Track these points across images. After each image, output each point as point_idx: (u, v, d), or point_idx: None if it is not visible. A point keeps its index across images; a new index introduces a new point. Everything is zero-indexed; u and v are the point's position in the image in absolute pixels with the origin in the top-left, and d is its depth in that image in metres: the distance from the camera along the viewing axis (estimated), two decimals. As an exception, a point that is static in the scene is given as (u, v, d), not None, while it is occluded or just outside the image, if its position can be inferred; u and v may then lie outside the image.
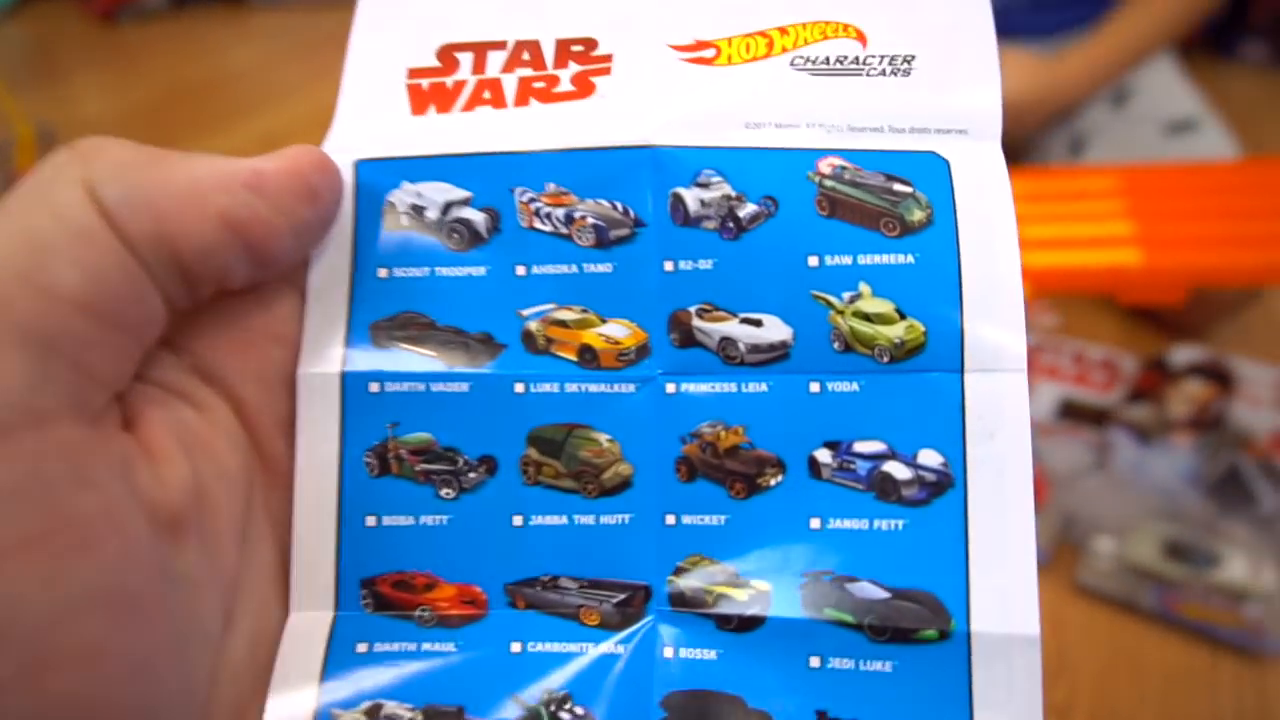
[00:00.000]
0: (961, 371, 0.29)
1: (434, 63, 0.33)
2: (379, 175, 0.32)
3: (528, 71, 0.33)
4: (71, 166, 0.25)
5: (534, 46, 0.33)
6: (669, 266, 0.31)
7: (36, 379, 0.23)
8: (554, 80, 0.32)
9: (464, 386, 0.31)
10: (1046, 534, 0.93)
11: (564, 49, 0.33)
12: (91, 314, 0.24)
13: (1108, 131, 1.38)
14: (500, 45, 0.33)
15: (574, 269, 0.31)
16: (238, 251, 0.27)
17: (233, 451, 0.29)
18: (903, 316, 0.30)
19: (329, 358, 0.31)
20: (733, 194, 0.31)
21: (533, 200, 0.31)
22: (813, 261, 0.30)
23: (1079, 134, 1.41)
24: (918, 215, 0.30)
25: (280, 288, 0.30)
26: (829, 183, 0.30)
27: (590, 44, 0.33)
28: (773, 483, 0.30)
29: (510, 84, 0.32)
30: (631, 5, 0.33)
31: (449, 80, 0.33)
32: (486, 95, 0.32)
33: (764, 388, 0.30)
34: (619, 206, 0.31)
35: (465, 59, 0.33)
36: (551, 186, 0.31)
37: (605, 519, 0.30)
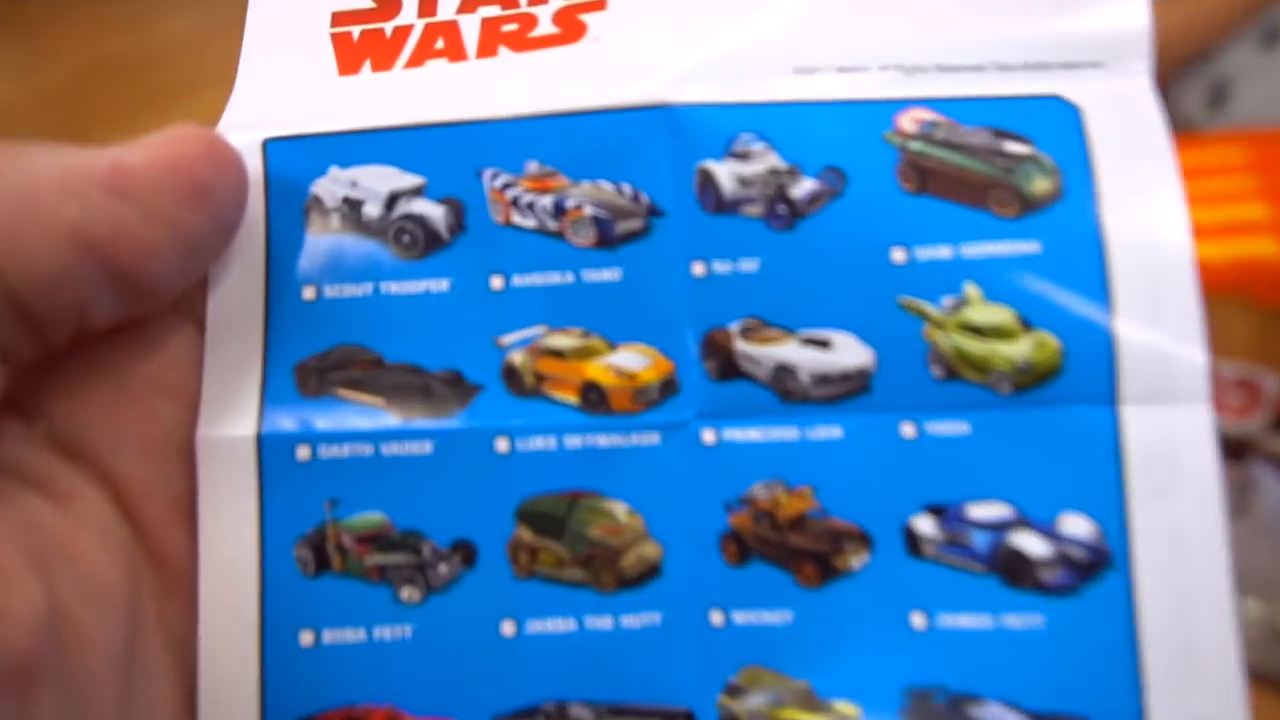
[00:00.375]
0: (1115, 403, 0.21)
1: (366, 3, 0.24)
2: (297, 159, 0.23)
3: (493, 10, 0.24)
4: None
5: None
6: (699, 270, 0.22)
7: None
8: (530, 21, 0.24)
9: (426, 446, 0.22)
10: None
11: None
12: None
13: (1257, 77, 1.23)
14: None
15: (569, 278, 0.23)
16: (99, 278, 0.20)
17: (108, 555, 0.21)
18: (1027, 328, 0.21)
19: (239, 415, 0.22)
20: (782, 166, 0.22)
21: (508, 185, 0.23)
22: (898, 256, 0.22)
23: (1220, 81, 1.25)
24: (1041, 185, 0.21)
25: (168, 322, 0.22)
26: (915, 145, 0.22)
27: None
28: (855, 564, 0.22)
29: (470, 28, 0.24)
30: None
31: (388, 26, 0.24)
32: (439, 44, 0.24)
33: (837, 433, 0.22)
34: (627, 190, 0.23)
35: None
36: (533, 166, 0.23)
37: (628, 621, 0.22)
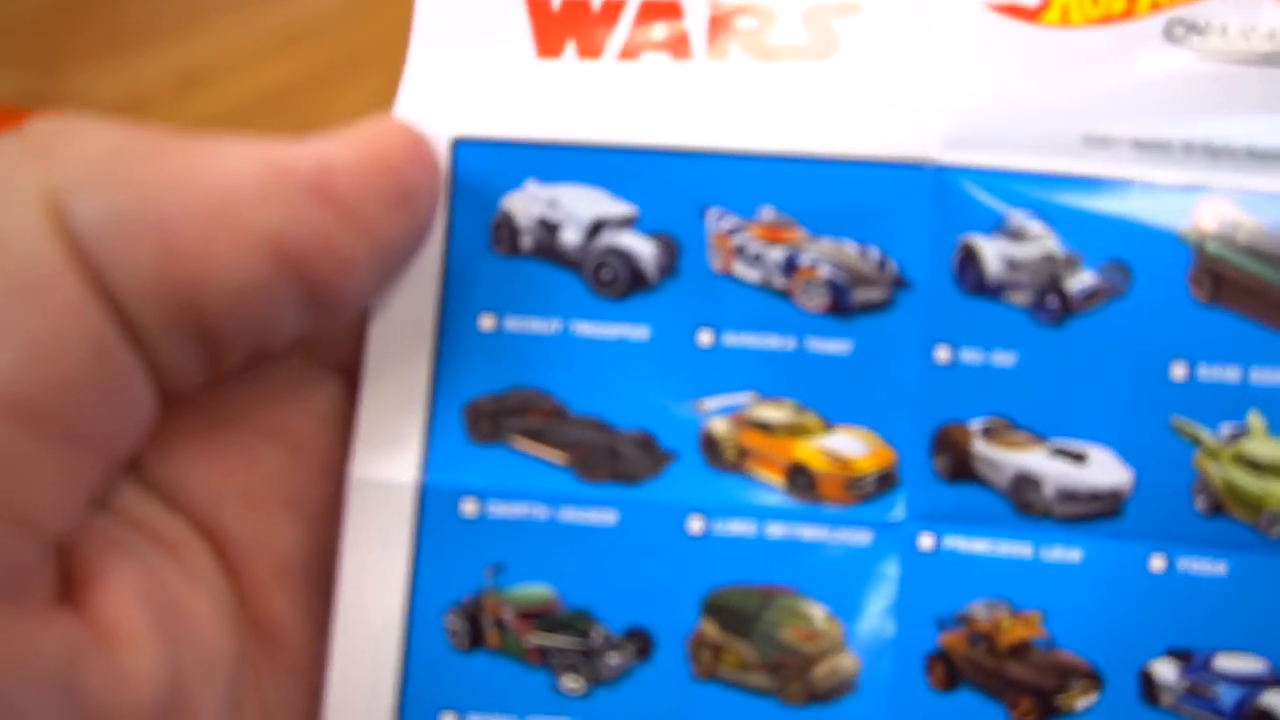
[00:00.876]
0: None
1: None
2: (490, 166, 0.20)
3: None
4: (23, 165, 0.16)
5: None
6: (943, 355, 0.20)
7: None
8: (770, 17, 0.20)
9: (609, 516, 0.20)
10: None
11: None
12: (32, 420, 0.15)
13: None
14: None
15: (790, 344, 0.20)
16: (292, 294, 0.17)
17: (218, 619, 0.18)
18: None
19: (399, 456, 0.19)
20: (1060, 254, 0.19)
21: (736, 230, 0.20)
22: (1178, 372, 0.19)
23: None
24: None
25: None
26: (1213, 246, 0.19)
27: None
28: (1080, 705, 0.19)
29: (698, 13, 0.21)
30: None
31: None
32: (659, 35, 0.21)
33: (1077, 556, 0.19)
34: (873, 254, 0.20)
35: None
36: (768, 212, 0.20)
37: None
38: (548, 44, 0.21)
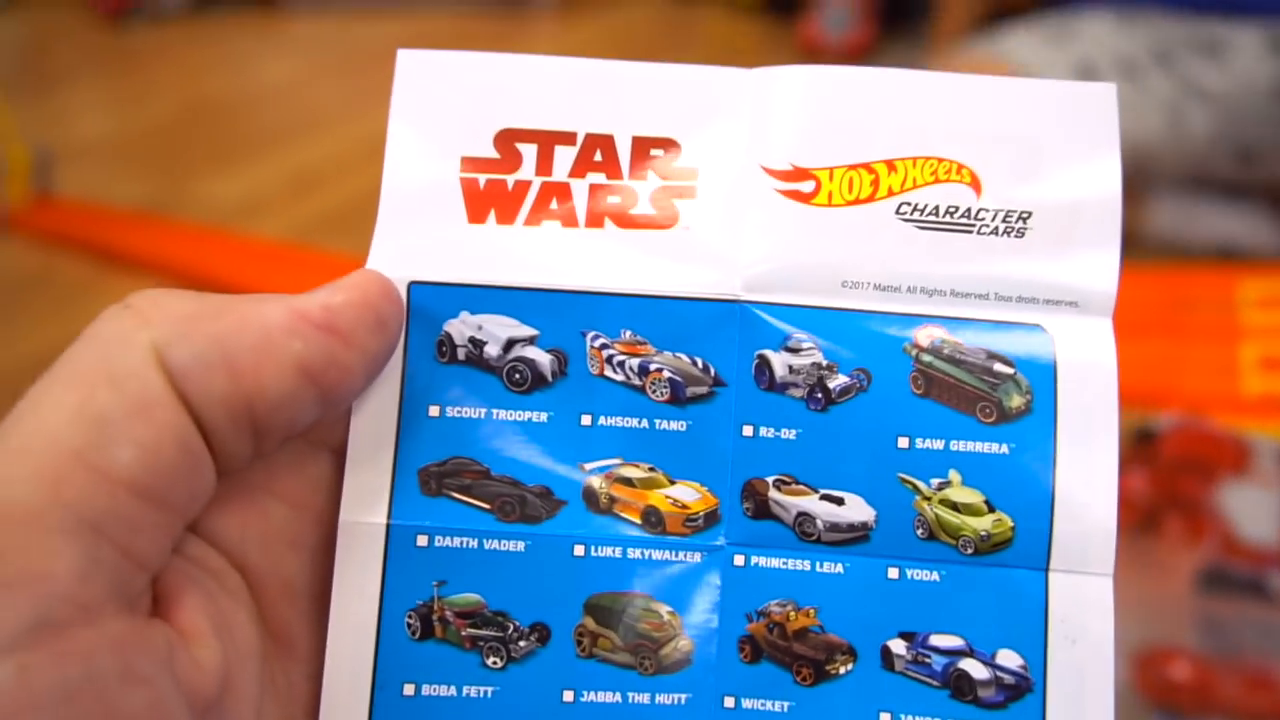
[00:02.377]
0: (1047, 570, 0.28)
1: (491, 152, 0.30)
2: (436, 301, 0.29)
3: (600, 178, 0.30)
4: (132, 326, 0.23)
5: (607, 144, 0.30)
6: (748, 431, 0.29)
7: (86, 568, 0.22)
8: (631, 197, 0.30)
9: (519, 545, 0.28)
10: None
11: (642, 150, 0.30)
12: (144, 495, 0.23)
13: None
14: (569, 138, 0.30)
15: (644, 424, 0.29)
16: (312, 398, 0.25)
17: (251, 626, 0.26)
18: (991, 509, 0.28)
19: (372, 505, 0.28)
20: (824, 363, 0.28)
21: (605, 346, 0.29)
22: (903, 443, 0.28)
23: None
24: (1016, 401, 0.28)
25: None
26: (926, 358, 0.28)
27: (671, 147, 0.30)
28: (842, 671, 0.28)
29: (581, 195, 0.29)
30: (719, 102, 0.30)
31: (510, 179, 0.30)
32: (554, 206, 0.29)
33: (840, 569, 0.28)
34: (699, 362, 0.29)
35: (528, 152, 0.30)
36: (628, 334, 0.29)
37: (661, 698, 0.28)
38: (476, 213, 0.30)
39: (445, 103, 0.30)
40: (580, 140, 0.30)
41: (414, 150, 0.30)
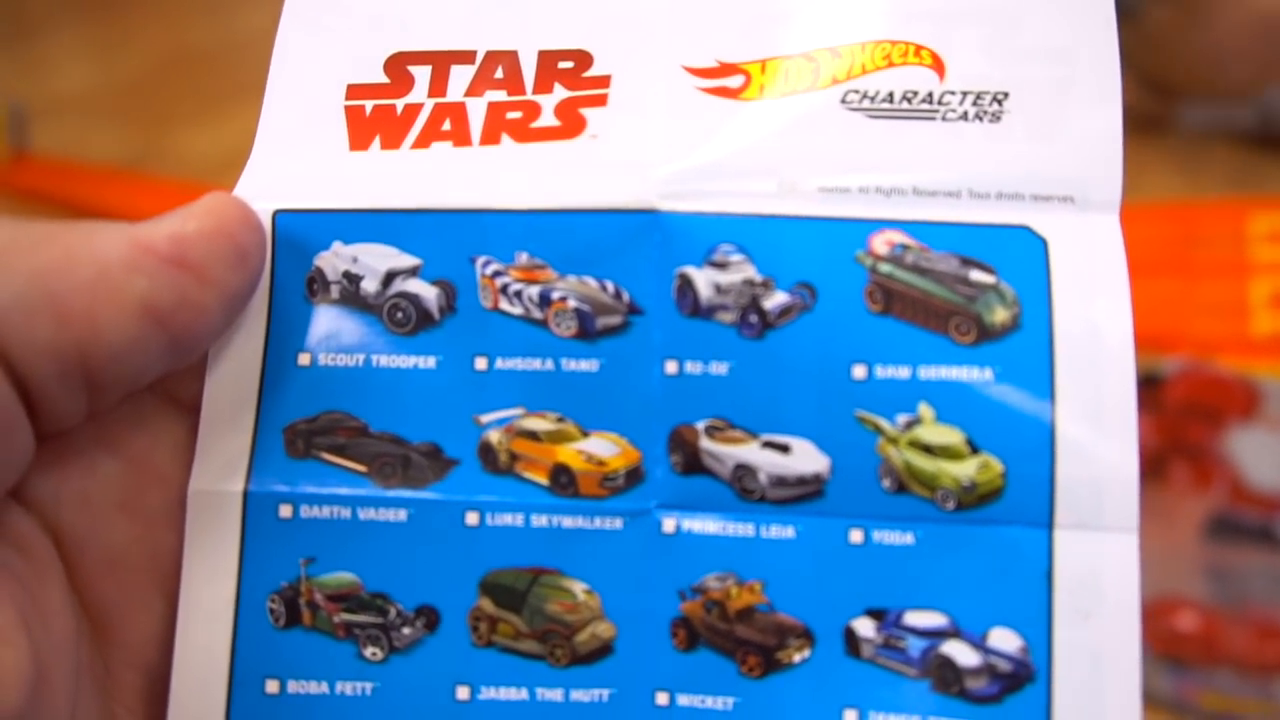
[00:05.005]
0: (1050, 527, 0.22)
1: (380, 78, 0.26)
2: (304, 231, 0.24)
3: (500, 95, 0.25)
4: None
5: (510, 60, 0.26)
6: (672, 368, 0.24)
7: None
8: (534, 110, 0.25)
9: (401, 514, 0.24)
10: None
11: (549, 64, 0.26)
12: None
13: None
14: (467, 57, 0.26)
15: (549, 365, 0.24)
16: (160, 345, 0.21)
17: (65, 608, 0.22)
18: (975, 450, 0.22)
19: (229, 471, 0.24)
20: (757, 278, 0.23)
21: (499, 274, 0.24)
22: (859, 373, 0.23)
23: None
24: (1000, 315, 0.23)
25: None
26: (884, 267, 0.23)
27: (583, 59, 0.25)
28: (796, 659, 0.23)
29: (477, 112, 0.25)
30: (637, 7, 0.26)
31: (399, 103, 0.26)
32: (446, 127, 0.25)
33: (790, 533, 0.23)
34: (610, 287, 0.24)
35: (421, 74, 0.26)
36: (524, 257, 0.24)
37: (577, 695, 0.23)
38: (359, 139, 0.26)
39: (334, 32, 0.27)
40: (480, 58, 0.26)
41: (297, 82, 0.26)
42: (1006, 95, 0.24)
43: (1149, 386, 0.75)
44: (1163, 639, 0.73)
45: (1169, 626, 0.73)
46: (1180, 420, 0.74)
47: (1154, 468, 0.74)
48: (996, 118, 0.24)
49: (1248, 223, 0.93)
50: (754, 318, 0.23)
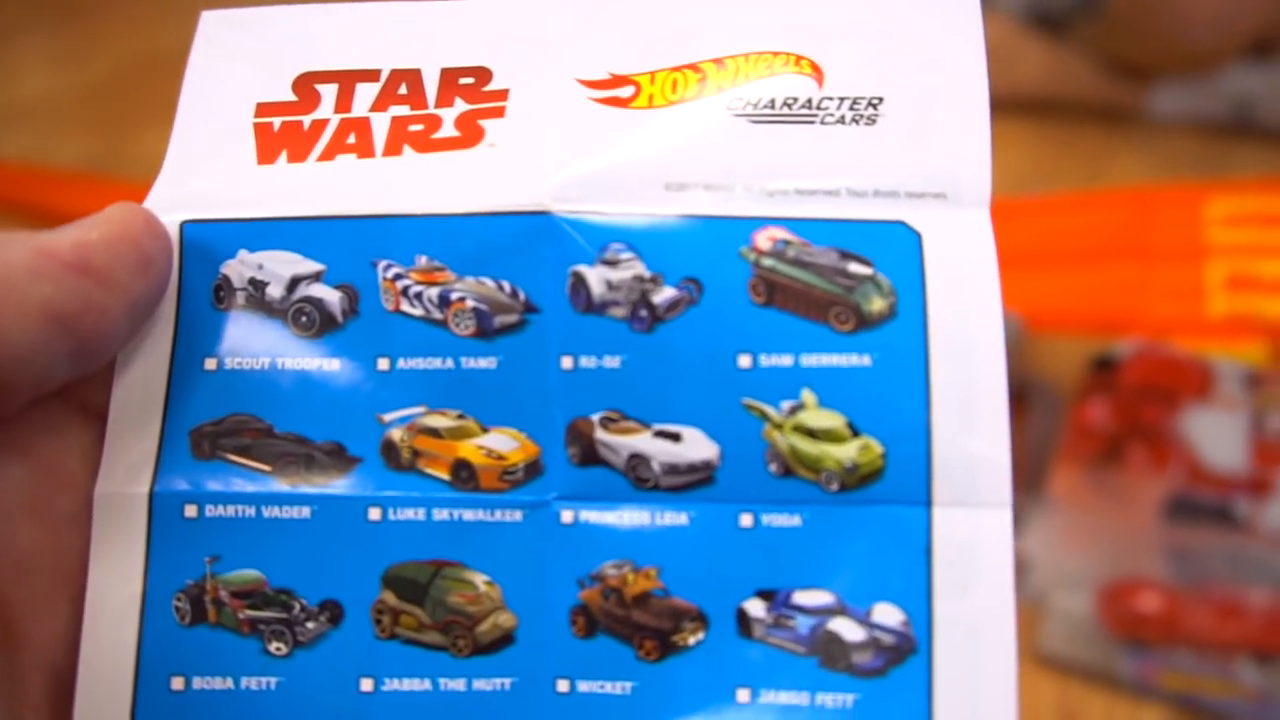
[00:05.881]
0: (929, 505, 0.23)
1: (289, 96, 0.27)
2: (211, 241, 0.25)
3: (404, 110, 0.26)
4: None
5: (413, 77, 0.27)
6: (567, 363, 0.25)
7: None
8: (435, 122, 0.26)
9: (305, 511, 0.24)
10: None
11: (450, 81, 0.27)
12: None
13: None
14: (373, 75, 0.27)
15: (449, 364, 0.25)
16: (64, 348, 0.22)
17: None
18: (856, 433, 0.23)
19: (135, 474, 0.24)
20: (646, 275, 0.24)
21: (399, 277, 0.25)
22: (744, 362, 0.24)
23: None
24: (877, 305, 0.24)
25: None
26: (767, 261, 0.24)
27: (483, 75, 0.27)
28: (691, 641, 0.24)
29: (380, 126, 0.26)
30: (535, 27, 0.27)
31: (306, 119, 0.26)
32: (351, 140, 0.26)
33: (683, 519, 0.24)
34: (506, 287, 0.25)
35: (328, 92, 0.27)
36: (423, 260, 0.25)
37: (480, 684, 0.24)
38: (266, 154, 0.26)
39: (244, 56, 0.28)
40: (385, 76, 0.27)
41: (208, 101, 0.27)
42: (881, 100, 0.25)
43: (1105, 370, 0.77)
44: (1125, 621, 0.74)
45: (1131, 608, 0.74)
46: (1136, 402, 0.76)
47: (1112, 450, 0.75)
48: (872, 121, 0.25)
49: (1205, 206, 0.96)
50: (644, 312, 0.24)
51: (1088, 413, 0.78)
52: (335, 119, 0.27)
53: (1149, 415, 0.76)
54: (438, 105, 0.26)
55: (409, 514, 0.24)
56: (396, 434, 0.25)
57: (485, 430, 0.25)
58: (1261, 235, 0.98)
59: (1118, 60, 1.10)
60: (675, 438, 0.24)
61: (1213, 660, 0.73)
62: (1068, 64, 1.35)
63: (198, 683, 0.24)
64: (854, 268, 0.24)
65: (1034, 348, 0.98)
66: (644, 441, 0.24)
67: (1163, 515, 0.76)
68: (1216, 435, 0.75)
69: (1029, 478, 0.90)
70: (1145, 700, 0.75)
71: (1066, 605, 0.77)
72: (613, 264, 0.24)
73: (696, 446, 0.24)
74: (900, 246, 0.24)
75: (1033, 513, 0.81)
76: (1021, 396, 0.96)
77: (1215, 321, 0.86)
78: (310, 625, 0.24)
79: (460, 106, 0.26)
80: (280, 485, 0.24)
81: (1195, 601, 0.74)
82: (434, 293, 0.25)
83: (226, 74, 0.27)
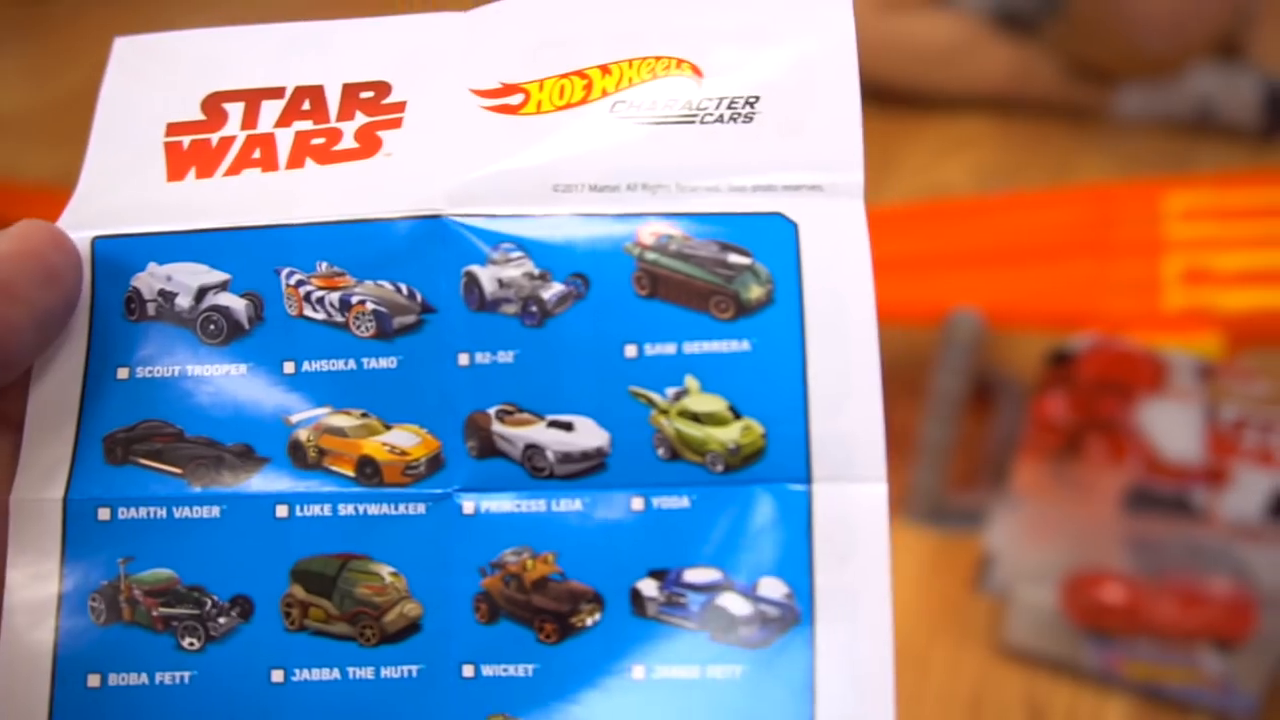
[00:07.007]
0: (809, 481, 0.24)
1: (198, 115, 0.28)
2: (122, 255, 0.26)
3: (307, 125, 0.28)
4: None
5: (316, 94, 0.28)
6: (464, 360, 0.26)
7: None
8: (336, 135, 0.27)
9: (215, 511, 0.25)
10: (1257, 674, 0.72)
11: (351, 96, 0.28)
12: None
13: None
14: (278, 93, 0.28)
15: (352, 365, 0.26)
16: None
17: None
18: (738, 416, 0.24)
19: (49, 480, 0.25)
20: (535, 272, 0.25)
21: (302, 283, 0.26)
22: (630, 352, 0.25)
23: None
24: (755, 293, 0.25)
25: None
26: (650, 255, 0.25)
27: (382, 89, 0.28)
28: (589, 622, 0.24)
29: (284, 140, 0.27)
30: (432, 43, 0.28)
31: (214, 137, 0.28)
32: (256, 155, 0.27)
33: (578, 505, 0.25)
34: (404, 289, 0.26)
35: (234, 110, 0.28)
36: (323, 266, 0.26)
37: (388, 672, 0.25)
38: (176, 171, 0.28)
39: (156, 80, 0.29)
40: (289, 93, 0.28)
41: (121, 123, 0.28)
42: (758, 99, 0.26)
43: (1062, 364, 0.78)
44: (1088, 612, 0.75)
45: (1094, 599, 0.75)
46: (1093, 395, 0.77)
47: (1071, 443, 0.76)
48: (749, 119, 0.26)
49: (1163, 201, 0.98)
50: (534, 308, 0.25)
51: (1047, 407, 0.79)
52: (241, 135, 0.28)
53: (1106, 408, 0.77)
54: (339, 119, 0.28)
55: (316, 510, 0.25)
56: (303, 434, 0.26)
57: (388, 427, 0.26)
58: (1218, 229, 1.00)
59: (1081, 61, 1.12)
60: (568, 427, 0.25)
61: (1175, 649, 0.74)
62: (1034, 64, 1.37)
63: (114, 679, 0.24)
64: (733, 258, 0.25)
65: (997, 344, 0.99)
66: (538, 432, 0.25)
67: (1123, 507, 0.77)
68: (1172, 427, 0.76)
69: (994, 472, 0.91)
70: (1110, 690, 0.76)
71: (1031, 598, 0.78)
72: (503, 263, 0.26)
73: (588, 435, 0.25)
74: (777, 237, 0.25)
75: (998, 507, 0.82)
76: (984, 393, 0.97)
77: (1171, 315, 0.88)
78: (222, 620, 0.25)
79: (360, 119, 0.27)
80: (191, 487, 0.25)
81: (1157, 591, 0.75)
82: (335, 297, 0.26)
83: (139, 96, 0.28)
